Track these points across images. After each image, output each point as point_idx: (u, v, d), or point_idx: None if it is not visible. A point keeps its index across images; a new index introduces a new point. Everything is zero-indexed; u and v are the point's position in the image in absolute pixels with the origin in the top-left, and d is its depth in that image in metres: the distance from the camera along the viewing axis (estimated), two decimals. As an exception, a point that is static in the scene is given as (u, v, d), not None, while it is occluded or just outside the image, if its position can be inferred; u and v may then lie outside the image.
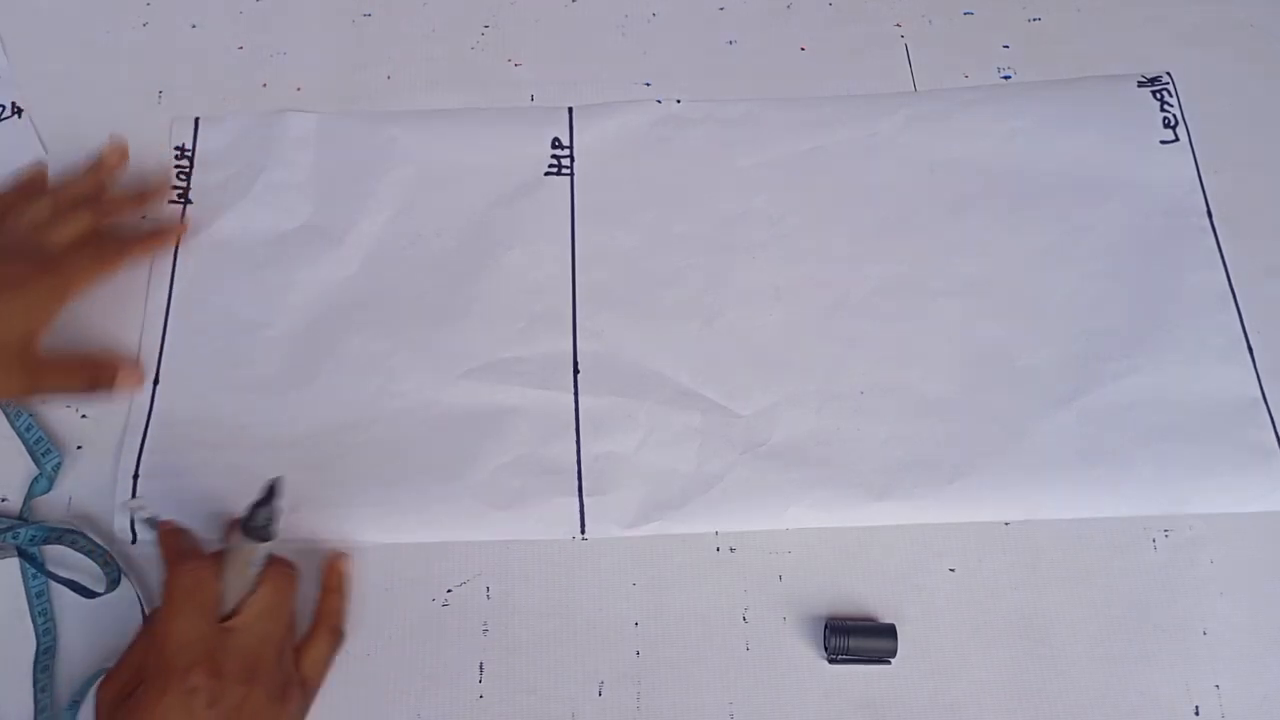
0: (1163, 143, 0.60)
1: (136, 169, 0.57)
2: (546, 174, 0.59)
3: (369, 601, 0.50)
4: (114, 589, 0.49)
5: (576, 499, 0.51)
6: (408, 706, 0.48)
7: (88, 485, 0.52)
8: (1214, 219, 0.57)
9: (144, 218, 0.57)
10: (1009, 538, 0.51)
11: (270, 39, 0.64)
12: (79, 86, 0.62)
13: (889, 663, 0.48)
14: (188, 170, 0.59)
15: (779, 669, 0.49)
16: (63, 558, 0.50)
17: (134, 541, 0.50)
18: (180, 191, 0.59)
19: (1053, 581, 0.50)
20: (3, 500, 0.52)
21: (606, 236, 0.57)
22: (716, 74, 0.63)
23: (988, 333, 0.55)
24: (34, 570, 0.49)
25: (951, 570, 0.51)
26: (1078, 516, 0.51)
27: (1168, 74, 0.61)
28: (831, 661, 0.48)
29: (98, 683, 0.44)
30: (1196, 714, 0.48)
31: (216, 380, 0.54)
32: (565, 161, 0.59)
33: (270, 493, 0.45)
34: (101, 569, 0.49)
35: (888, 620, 0.49)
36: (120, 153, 0.56)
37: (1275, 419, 0.52)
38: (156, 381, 0.54)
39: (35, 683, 0.48)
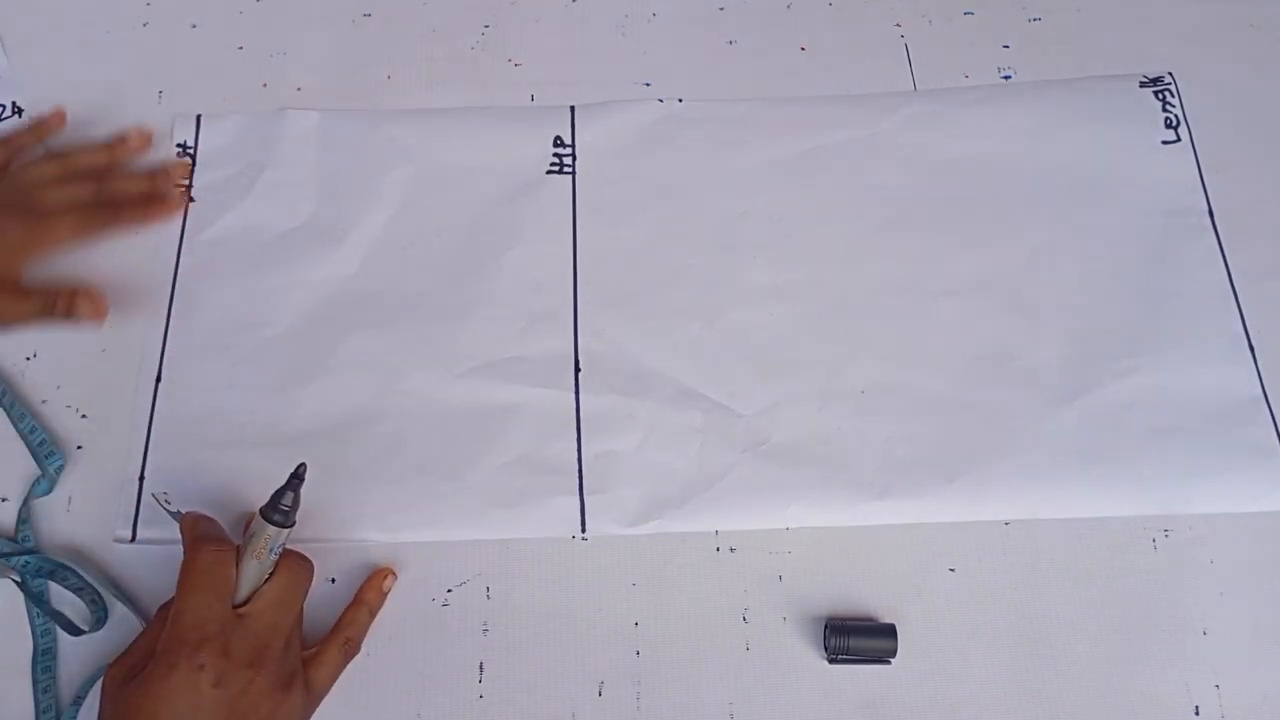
0: (1164, 143, 0.60)
1: (155, 159, 0.59)
2: (548, 172, 0.59)
3: (369, 601, 0.50)
4: (99, 629, 0.49)
5: (577, 498, 0.51)
6: (408, 706, 0.48)
7: (88, 486, 0.52)
8: (1215, 218, 0.57)
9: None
10: (1009, 538, 0.51)
11: (270, 39, 0.64)
12: (79, 86, 0.62)
13: (889, 663, 0.48)
14: (190, 168, 0.59)
15: (779, 669, 0.49)
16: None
17: (133, 540, 0.50)
18: (182, 190, 0.59)
19: (1053, 581, 0.50)
20: (3, 500, 0.52)
21: (608, 235, 0.57)
22: (716, 74, 0.63)
23: (988, 332, 0.55)
24: (30, 577, 0.49)
25: (951, 570, 0.51)
26: (1079, 516, 0.51)
27: (1169, 74, 0.61)
28: (831, 661, 0.48)
29: (108, 663, 0.44)
30: (1196, 714, 0.48)
31: (218, 379, 0.54)
32: (567, 160, 0.59)
33: (295, 478, 0.45)
34: (89, 608, 0.49)
35: (888, 620, 0.49)
36: (145, 137, 0.58)
37: (1276, 418, 0.53)
38: (159, 380, 0.54)
39: (36, 683, 0.48)
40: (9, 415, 0.53)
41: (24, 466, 0.52)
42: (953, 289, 0.56)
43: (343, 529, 0.50)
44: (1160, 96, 0.61)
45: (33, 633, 0.49)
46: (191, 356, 0.54)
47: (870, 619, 0.49)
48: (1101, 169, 0.59)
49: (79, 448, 0.53)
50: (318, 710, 0.46)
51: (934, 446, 0.52)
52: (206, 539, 0.44)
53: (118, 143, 0.58)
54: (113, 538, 0.50)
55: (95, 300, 0.53)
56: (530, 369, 0.54)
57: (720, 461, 0.52)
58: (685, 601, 0.50)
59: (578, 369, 0.54)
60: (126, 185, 0.57)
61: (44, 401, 0.54)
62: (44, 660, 0.48)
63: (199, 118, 0.60)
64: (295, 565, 0.45)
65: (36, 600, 0.49)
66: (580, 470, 0.52)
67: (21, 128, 0.59)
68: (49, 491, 0.51)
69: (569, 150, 0.60)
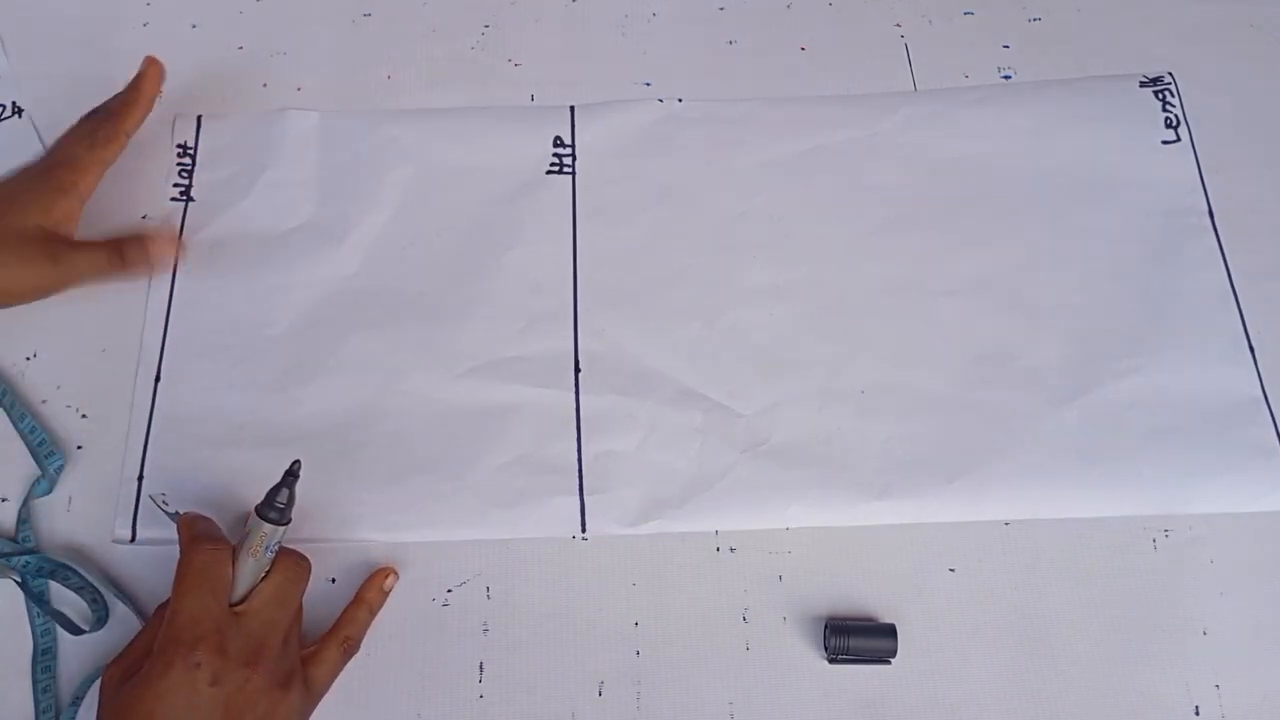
0: (1164, 143, 0.60)
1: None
2: (548, 173, 0.59)
3: (369, 601, 0.50)
4: (99, 628, 0.49)
5: (577, 498, 0.51)
6: (408, 706, 0.48)
7: (88, 487, 0.52)
8: (1215, 219, 0.57)
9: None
10: (1009, 538, 0.51)
11: (270, 39, 0.64)
12: (79, 86, 0.62)
13: (889, 663, 0.48)
14: (190, 168, 0.59)
15: (779, 669, 0.49)
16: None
17: (133, 540, 0.50)
18: (182, 189, 0.59)
19: (1053, 581, 0.50)
20: (3, 500, 0.52)
21: (608, 235, 0.57)
22: (716, 74, 0.63)
23: (988, 332, 0.55)
24: (31, 577, 0.49)
25: (951, 570, 0.51)
26: (1079, 516, 0.51)
27: (1169, 74, 0.61)
28: (831, 661, 0.48)
29: (107, 663, 0.44)
30: (1196, 714, 0.48)
31: (218, 379, 0.54)
32: (567, 160, 0.59)
33: (289, 475, 0.45)
34: (90, 607, 0.49)
35: (888, 620, 0.49)
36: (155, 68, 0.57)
37: (1276, 418, 0.53)
38: (158, 380, 0.54)
39: (36, 683, 0.48)
40: (9, 415, 0.53)
41: (24, 466, 0.52)
42: (953, 289, 0.56)
43: (342, 529, 0.50)
44: (1160, 96, 0.61)
45: (33, 632, 0.49)
46: (191, 356, 0.54)
47: (870, 619, 0.49)
48: (1101, 169, 0.59)
49: (79, 448, 0.53)
50: (317, 710, 0.46)
51: (934, 446, 0.52)
52: (203, 538, 0.44)
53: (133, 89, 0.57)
54: (112, 538, 0.50)
55: (171, 242, 0.54)
56: (530, 369, 0.54)
57: (720, 461, 0.52)
58: (685, 601, 0.50)
59: (578, 369, 0.54)
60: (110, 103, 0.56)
61: (44, 401, 0.54)
62: (44, 660, 0.48)
63: (199, 118, 0.61)
64: (292, 563, 0.45)
65: (37, 600, 0.49)
66: (580, 470, 0.52)
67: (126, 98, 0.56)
68: (49, 491, 0.51)
69: (569, 150, 0.60)
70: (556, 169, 0.59)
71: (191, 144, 0.60)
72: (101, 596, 0.49)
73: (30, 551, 0.50)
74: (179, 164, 0.59)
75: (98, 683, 0.44)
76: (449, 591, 0.50)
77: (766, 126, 0.60)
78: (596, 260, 0.57)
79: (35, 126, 0.61)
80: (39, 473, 0.52)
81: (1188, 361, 0.54)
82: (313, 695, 0.45)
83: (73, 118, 0.61)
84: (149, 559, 0.50)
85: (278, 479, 0.45)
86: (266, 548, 0.44)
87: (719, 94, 0.62)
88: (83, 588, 0.49)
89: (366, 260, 0.57)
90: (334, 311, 0.55)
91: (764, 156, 0.59)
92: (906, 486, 0.51)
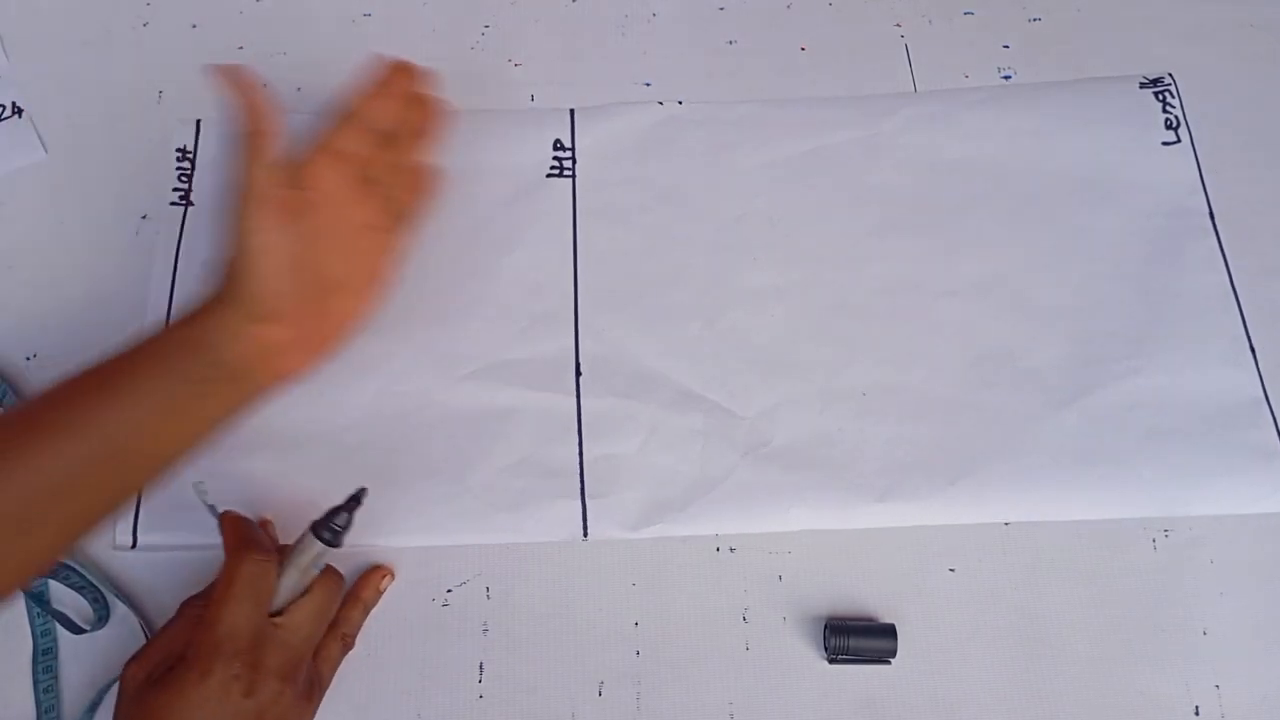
0: (1164, 144, 0.59)
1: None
2: (548, 176, 0.59)
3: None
4: (101, 627, 0.49)
5: (579, 501, 0.51)
6: (408, 706, 0.48)
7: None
8: (1216, 220, 0.57)
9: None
10: (1009, 538, 0.51)
11: (270, 39, 0.64)
12: (79, 86, 0.62)
13: (889, 663, 0.48)
14: (189, 172, 0.59)
15: (779, 669, 0.49)
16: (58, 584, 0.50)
17: (134, 546, 0.50)
18: (182, 194, 0.59)
19: (1053, 581, 0.50)
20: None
21: (608, 238, 0.57)
22: (716, 74, 0.63)
23: (989, 333, 0.55)
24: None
25: (951, 570, 0.51)
26: (1080, 517, 0.51)
27: (1169, 75, 0.61)
28: (831, 661, 0.48)
29: (127, 661, 0.43)
30: (1196, 714, 0.48)
31: None
32: (567, 163, 0.59)
33: (353, 500, 0.45)
34: (91, 606, 0.49)
35: (888, 620, 0.49)
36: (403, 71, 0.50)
37: (1278, 419, 0.52)
38: None
39: (37, 683, 0.48)
40: (8, 414, 0.53)
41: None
42: (953, 290, 0.56)
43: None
44: (1160, 97, 0.61)
45: (33, 633, 0.49)
46: None
47: (870, 619, 0.49)
48: (1102, 170, 0.59)
49: (79, 448, 0.53)
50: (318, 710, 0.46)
51: (935, 448, 0.52)
52: (250, 544, 0.44)
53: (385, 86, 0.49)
54: (113, 545, 0.50)
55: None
56: (531, 372, 0.54)
57: (722, 464, 0.52)
58: (685, 601, 0.50)
59: (578, 372, 0.54)
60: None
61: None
62: (44, 660, 0.48)
63: (198, 122, 0.60)
64: (332, 582, 0.45)
65: (37, 600, 0.49)
66: (582, 473, 0.52)
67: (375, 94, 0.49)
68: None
69: (569, 153, 0.60)
70: (557, 172, 0.59)
71: (190, 148, 0.60)
72: (103, 596, 0.49)
73: None
74: (178, 168, 0.59)
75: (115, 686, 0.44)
76: (449, 591, 0.50)
77: (766, 128, 0.60)
78: (597, 263, 0.57)
79: (35, 126, 0.61)
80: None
81: (1188, 363, 0.54)
82: (319, 695, 0.45)
83: (72, 117, 0.61)
84: (150, 560, 0.50)
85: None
86: (314, 566, 0.44)
87: (719, 94, 0.62)
88: (84, 587, 0.49)
89: None
90: None
91: (764, 158, 0.59)
92: (908, 489, 0.51)
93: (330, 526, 0.45)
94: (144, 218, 0.58)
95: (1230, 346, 0.54)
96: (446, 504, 0.51)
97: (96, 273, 0.57)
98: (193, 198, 0.58)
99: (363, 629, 0.49)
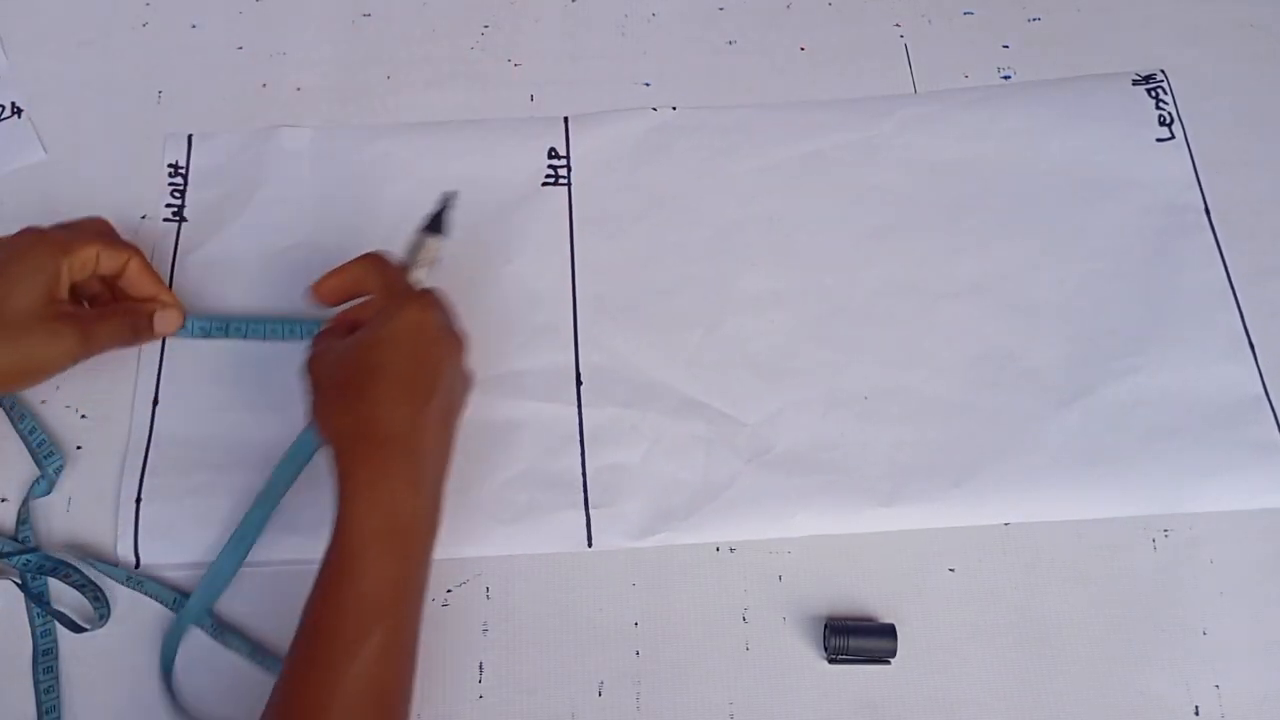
0: (1159, 140, 0.60)
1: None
2: (544, 185, 0.59)
3: (369, 602, 0.50)
4: (102, 625, 0.49)
5: (583, 512, 0.51)
6: (408, 707, 0.48)
7: (88, 487, 0.52)
8: (1214, 217, 0.57)
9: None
10: (1009, 538, 0.51)
11: (270, 39, 0.64)
12: (79, 86, 0.62)
13: (889, 663, 0.48)
14: (182, 188, 0.59)
15: (779, 669, 0.49)
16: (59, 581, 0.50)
17: (137, 566, 0.50)
18: (175, 210, 0.58)
19: (1053, 581, 0.50)
20: (2, 500, 0.52)
21: (605, 246, 0.57)
22: (716, 74, 0.63)
23: (989, 334, 0.55)
24: (31, 577, 0.50)
25: (951, 570, 0.51)
26: (1083, 517, 0.51)
27: (1162, 71, 0.61)
28: (831, 661, 0.48)
29: (314, 338, 0.47)
30: (1196, 714, 0.48)
31: (216, 400, 0.54)
32: (562, 172, 0.59)
33: (449, 198, 0.50)
34: (91, 605, 0.49)
35: (887, 620, 0.49)
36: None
37: (1278, 415, 0.53)
38: (156, 402, 0.53)
39: (37, 684, 0.48)
40: (9, 415, 0.53)
41: (24, 467, 0.52)
42: (952, 291, 0.56)
43: None
44: (1153, 94, 0.61)
45: (32, 633, 0.49)
46: (189, 378, 0.54)
47: (870, 619, 0.49)
48: (1097, 168, 0.59)
49: (79, 448, 0.53)
50: None
51: (938, 451, 0.52)
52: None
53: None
54: (115, 565, 0.50)
55: (176, 315, 0.53)
56: (532, 383, 0.54)
57: (725, 471, 0.52)
58: (685, 601, 0.50)
59: (579, 382, 0.54)
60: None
61: (43, 402, 0.54)
62: (45, 660, 0.48)
63: (190, 137, 0.60)
64: (441, 291, 0.48)
65: (37, 600, 0.49)
66: (585, 484, 0.52)
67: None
68: (48, 492, 0.51)
69: (564, 162, 0.59)
70: (552, 180, 0.59)
71: (183, 163, 0.60)
72: (103, 594, 0.49)
73: (31, 550, 0.50)
74: (170, 184, 0.59)
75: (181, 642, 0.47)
76: (449, 592, 0.50)
77: (762, 132, 0.60)
78: (595, 271, 0.56)
79: (35, 126, 0.61)
80: (38, 473, 0.52)
81: (1188, 360, 0.54)
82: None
83: (72, 117, 0.61)
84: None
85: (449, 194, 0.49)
86: (432, 260, 0.49)
87: (718, 94, 0.62)
88: (84, 585, 0.49)
89: None
90: None
91: (760, 162, 0.59)
92: (912, 492, 0.51)
93: (436, 224, 0.49)
94: (144, 218, 0.58)
95: (1229, 343, 0.54)
96: (450, 516, 0.50)
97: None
98: (186, 214, 0.58)
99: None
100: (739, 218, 0.58)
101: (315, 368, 0.46)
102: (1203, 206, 0.58)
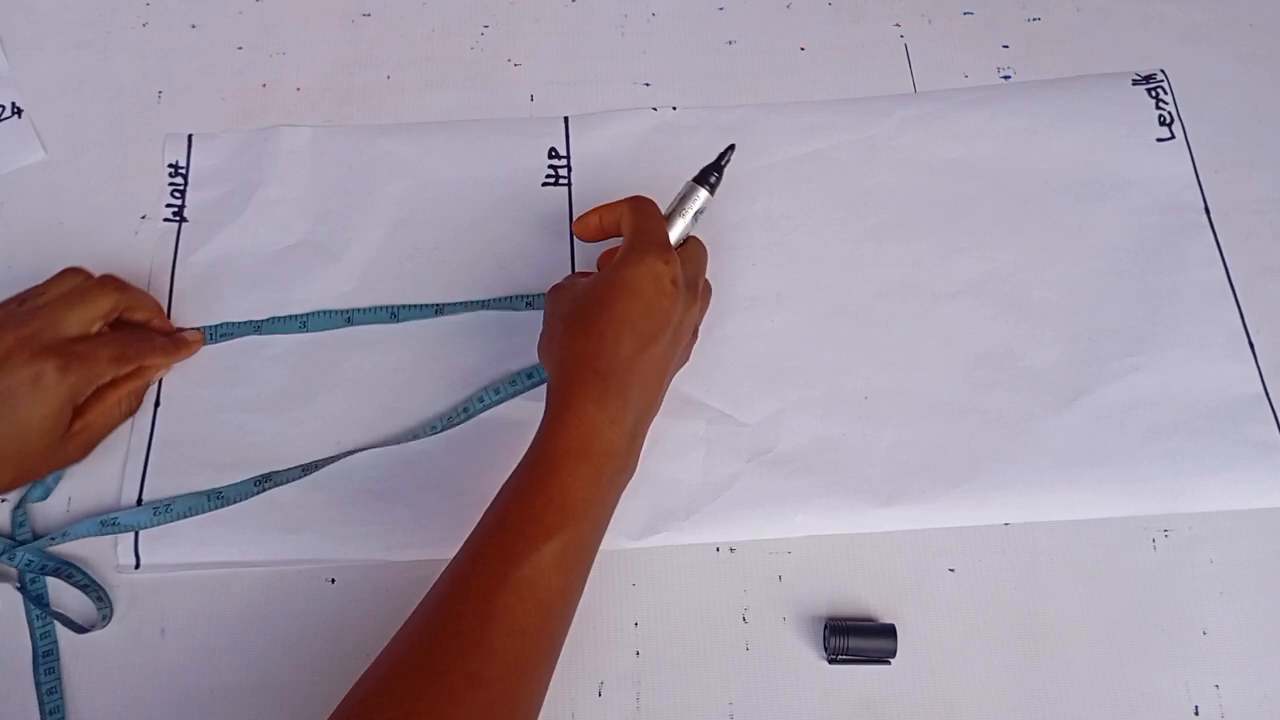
0: (1159, 140, 0.60)
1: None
2: (544, 184, 0.59)
3: (369, 603, 0.50)
4: (105, 624, 0.49)
5: None
6: (408, 707, 0.48)
7: (88, 487, 0.52)
8: (1212, 216, 0.57)
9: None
10: (1009, 538, 0.51)
11: (270, 39, 0.64)
12: (79, 86, 0.62)
13: (889, 663, 0.48)
14: (182, 188, 0.59)
15: (779, 669, 0.49)
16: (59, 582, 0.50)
17: (137, 567, 0.50)
18: (175, 210, 0.58)
19: (1053, 581, 0.50)
20: (1, 500, 0.52)
21: (605, 246, 0.57)
22: (716, 74, 0.63)
23: (989, 334, 0.55)
24: (30, 577, 0.50)
25: (951, 570, 0.51)
26: (1084, 516, 0.51)
27: (1162, 71, 0.61)
28: (831, 662, 0.48)
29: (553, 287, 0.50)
30: (1196, 714, 0.48)
31: (217, 401, 0.54)
32: (563, 172, 0.59)
33: (727, 152, 0.51)
34: (95, 604, 0.49)
35: (887, 620, 0.49)
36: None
37: (1278, 414, 0.53)
38: (158, 404, 0.53)
39: (39, 685, 0.48)
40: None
41: (24, 467, 0.52)
42: (952, 291, 0.56)
43: (345, 549, 0.50)
44: (1153, 94, 0.61)
45: (32, 636, 0.49)
46: (190, 380, 0.54)
47: (870, 619, 0.49)
48: (1097, 168, 0.59)
49: (79, 448, 0.53)
50: (317, 711, 0.46)
51: (938, 451, 0.52)
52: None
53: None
54: (115, 566, 0.50)
55: (175, 351, 0.54)
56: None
57: (725, 471, 0.52)
58: (685, 601, 0.50)
59: None
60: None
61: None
62: (46, 662, 0.48)
63: (190, 137, 0.60)
64: (700, 242, 0.51)
65: (36, 601, 0.49)
66: None
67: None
68: (44, 497, 0.51)
69: (564, 162, 0.59)
70: (552, 180, 0.59)
71: (183, 164, 0.60)
72: (105, 593, 0.49)
73: (28, 541, 0.50)
74: (170, 184, 0.59)
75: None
76: (449, 592, 0.50)
77: (762, 132, 0.60)
78: (594, 269, 0.56)
79: (35, 126, 0.61)
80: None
81: (1188, 359, 0.54)
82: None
83: (72, 117, 0.61)
84: (150, 586, 0.50)
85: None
86: (696, 212, 0.50)
87: (718, 94, 0.62)
88: (87, 585, 0.49)
89: (363, 277, 0.57)
90: (333, 330, 0.55)
91: (760, 162, 0.59)
92: (913, 492, 0.51)
93: (710, 179, 0.50)
94: (144, 218, 0.58)
95: (1229, 342, 0.54)
96: (449, 518, 0.50)
97: (96, 273, 0.56)
98: (186, 214, 0.58)
99: (363, 630, 0.49)
100: (739, 217, 0.58)
101: (552, 301, 0.49)
102: (1203, 206, 0.58)
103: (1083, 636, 0.49)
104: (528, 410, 0.53)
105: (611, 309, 0.45)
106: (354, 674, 0.48)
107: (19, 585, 0.49)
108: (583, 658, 0.49)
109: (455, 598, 0.41)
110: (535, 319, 0.54)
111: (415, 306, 0.55)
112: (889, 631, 0.48)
